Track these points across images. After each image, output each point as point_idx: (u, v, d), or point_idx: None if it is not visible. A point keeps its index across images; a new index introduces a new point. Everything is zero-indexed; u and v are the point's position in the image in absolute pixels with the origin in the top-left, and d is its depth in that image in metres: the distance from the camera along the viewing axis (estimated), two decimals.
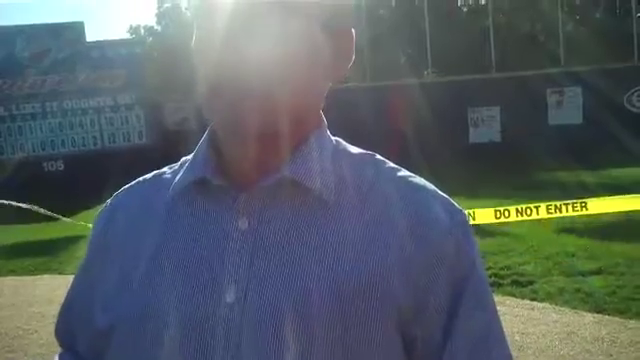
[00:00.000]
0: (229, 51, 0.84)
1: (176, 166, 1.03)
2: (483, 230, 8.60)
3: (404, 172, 0.99)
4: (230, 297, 0.87)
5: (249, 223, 0.90)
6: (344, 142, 1.01)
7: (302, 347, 0.84)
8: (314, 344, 0.85)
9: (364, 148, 1.02)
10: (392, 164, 1.00)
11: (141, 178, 1.06)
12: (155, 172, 1.06)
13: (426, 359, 0.93)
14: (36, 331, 5.75)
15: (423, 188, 0.97)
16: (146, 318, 0.89)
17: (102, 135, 17.91)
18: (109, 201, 1.06)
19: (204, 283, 0.88)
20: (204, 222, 0.92)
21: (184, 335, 0.87)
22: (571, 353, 4.62)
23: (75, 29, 18.18)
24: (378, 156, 1.01)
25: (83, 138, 17.83)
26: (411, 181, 0.97)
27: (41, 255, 9.39)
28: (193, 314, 0.87)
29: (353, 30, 0.96)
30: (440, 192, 0.98)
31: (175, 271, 0.90)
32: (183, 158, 1.02)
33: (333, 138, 1.00)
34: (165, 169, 1.05)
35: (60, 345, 1.09)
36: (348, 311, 0.86)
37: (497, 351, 0.96)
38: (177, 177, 0.97)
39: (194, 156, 0.98)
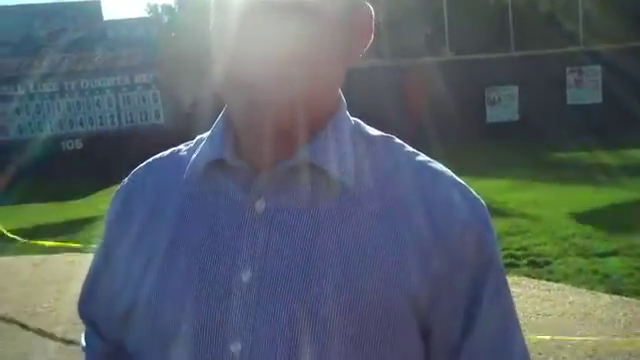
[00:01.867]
0: (246, 42, 0.83)
1: (192, 144, 1.02)
2: (499, 210, 8.59)
3: (423, 157, 0.97)
4: (246, 276, 0.87)
5: (266, 205, 0.89)
6: (363, 124, 1.00)
7: (316, 332, 0.84)
8: (329, 334, 0.85)
9: (382, 128, 1.01)
10: (410, 148, 0.99)
11: (158, 156, 1.06)
12: (172, 150, 1.05)
13: (443, 354, 0.92)
14: (55, 309, 5.83)
15: (442, 175, 0.95)
16: (164, 299, 0.89)
17: (119, 114, 17.98)
18: (126, 180, 1.06)
19: (221, 262, 0.88)
20: (220, 203, 0.92)
21: (200, 313, 0.87)
22: (587, 334, 4.61)
23: (92, 8, 18.19)
24: (397, 139, 1.00)
25: (101, 117, 17.91)
26: (430, 167, 0.96)
27: (60, 234, 9.46)
28: (210, 293, 0.87)
29: (371, 7, 0.94)
30: (459, 179, 0.96)
31: (192, 251, 0.90)
32: (199, 136, 1.02)
33: (352, 119, 0.98)
34: (181, 146, 1.05)
35: (84, 322, 1.10)
36: (363, 306, 0.85)
37: (515, 349, 0.96)
38: (193, 156, 0.97)
39: (210, 136, 0.97)
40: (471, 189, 0.96)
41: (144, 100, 18.08)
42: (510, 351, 0.95)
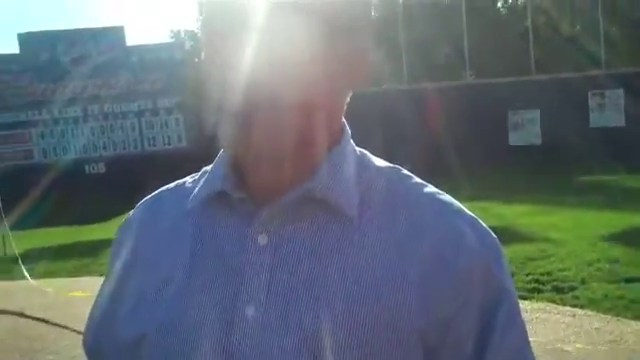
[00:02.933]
0: (233, 67, 0.81)
1: (197, 176, 1.01)
2: (523, 235, 8.53)
3: (431, 188, 0.95)
4: (250, 311, 0.86)
5: (269, 239, 0.88)
6: (369, 154, 0.97)
7: None
8: None
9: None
10: (418, 179, 0.96)
11: (164, 188, 1.05)
12: (177, 182, 1.04)
13: None
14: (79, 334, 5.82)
15: (450, 207, 0.93)
16: (167, 333, 0.88)
17: (142, 138, 18.14)
18: (131, 213, 1.05)
19: (222, 299, 0.87)
20: (223, 236, 0.91)
21: (200, 347, 0.86)
22: None
23: (115, 33, 18.45)
24: (404, 171, 0.97)
25: (124, 141, 18.08)
26: (439, 198, 0.93)
27: (84, 257, 9.54)
28: (214, 328, 0.86)
29: (367, 29, 0.90)
30: (468, 212, 0.93)
31: (192, 285, 0.89)
32: (204, 168, 1.00)
33: (357, 150, 0.96)
34: (187, 179, 1.03)
35: (88, 357, 1.07)
36: (365, 340, 0.84)
37: None
38: (198, 189, 0.96)
39: (213, 168, 0.96)
40: (481, 221, 0.93)
41: (167, 125, 18.23)
42: None
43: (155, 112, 18.18)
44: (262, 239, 0.88)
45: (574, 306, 5.91)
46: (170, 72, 18.03)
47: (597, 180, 14.03)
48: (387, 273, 0.86)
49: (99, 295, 1.05)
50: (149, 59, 18.28)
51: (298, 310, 0.84)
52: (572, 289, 6.38)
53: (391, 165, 0.97)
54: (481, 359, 0.88)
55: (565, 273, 6.85)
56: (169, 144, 18.12)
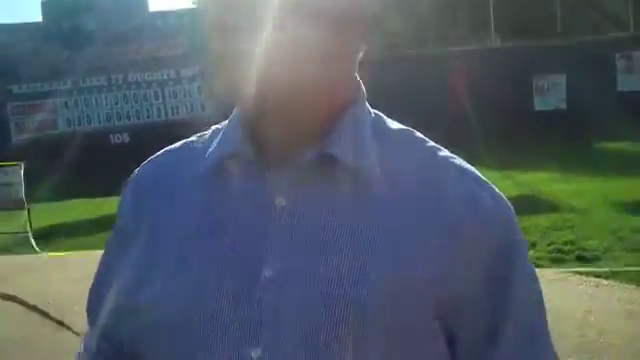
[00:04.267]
0: (244, 24, 0.81)
1: (207, 134, 1.00)
2: (546, 203, 8.47)
3: (445, 152, 0.95)
4: (268, 272, 0.85)
5: (286, 201, 0.87)
6: (384, 116, 0.97)
7: (343, 327, 0.82)
8: (356, 336, 0.83)
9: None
10: (432, 142, 0.96)
11: (168, 148, 1.03)
12: (184, 141, 1.02)
13: (469, 355, 0.90)
14: None
15: (465, 171, 0.92)
16: (182, 298, 0.87)
17: (165, 107, 18.16)
18: (136, 172, 1.03)
19: (240, 258, 0.86)
20: (239, 198, 0.90)
21: (222, 309, 0.85)
22: (637, 332, 4.53)
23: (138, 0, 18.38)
24: (418, 133, 0.96)
25: (147, 110, 18.12)
26: (453, 162, 0.93)
27: (109, 230, 9.63)
28: (230, 290, 0.85)
29: None
30: (482, 177, 0.93)
31: (209, 246, 0.88)
32: (214, 126, 1.00)
33: (372, 111, 0.96)
34: (193, 138, 1.02)
35: (88, 322, 1.06)
36: (386, 294, 0.83)
37: (544, 351, 0.94)
38: (209, 150, 0.94)
39: (227, 128, 0.95)
40: (494, 187, 0.93)
41: (190, 93, 18.22)
42: (541, 352, 0.93)
43: (178, 81, 18.17)
44: (280, 200, 0.88)
45: (597, 276, 5.88)
46: (192, 38, 17.96)
47: (623, 146, 13.83)
48: (405, 231, 0.86)
49: (104, 257, 1.04)
50: (172, 25, 18.21)
51: (319, 268, 0.84)
52: (595, 259, 6.35)
53: (405, 127, 0.97)
54: (500, 314, 0.89)
55: (589, 243, 6.80)
56: (192, 112, 18.14)
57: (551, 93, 17.98)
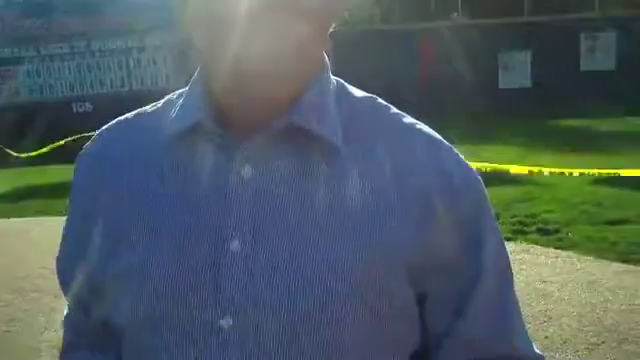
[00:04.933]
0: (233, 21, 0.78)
1: (159, 104, 0.98)
2: (509, 177, 8.55)
3: (409, 119, 0.94)
4: (234, 246, 0.83)
5: (252, 172, 0.86)
6: (347, 84, 0.96)
7: (314, 300, 0.82)
8: (327, 302, 0.82)
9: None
10: (396, 109, 0.95)
11: (122, 117, 1.00)
12: (136, 111, 0.99)
13: (438, 321, 0.91)
14: None
15: (430, 137, 0.92)
16: (146, 270, 0.85)
17: (130, 77, 17.93)
18: (89, 143, 1.00)
19: (207, 231, 0.85)
20: (203, 171, 0.87)
21: (189, 284, 0.83)
22: (593, 301, 4.62)
23: None
24: (380, 100, 0.96)
25: (111, 80, 17.87)
26: (418, 129, 0.93)
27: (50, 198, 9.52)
28: (196, 263, 0.84)
29: None
30: (446, 142, 0.93)
31: (175, 218, 0.86)
32: (167, 96, 0.97)
33: (334, 79, 0.94)
34: (147, 108, 0.99)
35: (64, 292, 1.03)
36: (354, 272, 0.83)
37: (514, 317, 0.95)
38: (169, 120, 0.91)
39: (187, 97, 0.92)
40: (458, 152, 0.94)
41: (155, 63, 18.00)
42: (510, 316, 0.95)
43: (143, 50, 17.93)
44: (246, 172, 0.86)
45: (557, 248, 5.98)
46: (159, 9, 17.70)
47: (586, 124, 14.04)
48: (375, 202, 0.85)
49: (65, 233, 1.01)
50: None
51: (285, 242, 0.83)
52: (556, 231, 6.45)
53: (368, 95, 0.96)
54: (470, 280, 0.90)
55: (550, 215, 6.91)
56: (157, 84, 17.93)
57: (516, 71, 18.14)
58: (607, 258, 5.60)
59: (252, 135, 0.85)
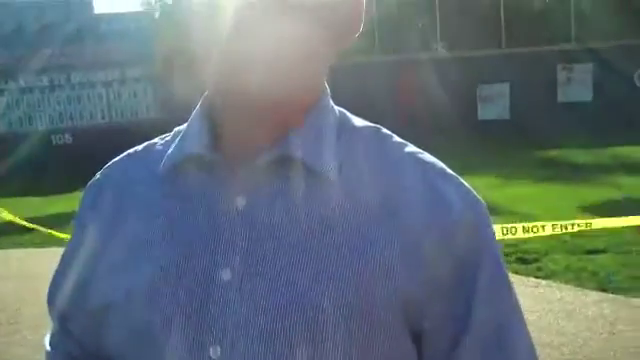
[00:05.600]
0: (234, 36, 0.80)
1: (169, 137, 0.99)
2: (489, 207, 8.59)
3: (412, 147, 0.93)
4: (226, 276, 0.83)
5: (247, 202, 0.86)
6: (349, 114, 0.95)
7: (302, 330, 0.81)
8: (315, 333, 0.81)
9: (375, 123, 0.97)
10: (398, 139, 0.94)
11: (132, 150, 1.02)
12: (146, 143, 1.01)
13: (436, 355, 0.88)
14: (41, 303, 5.76)
15: (433, 167, 0.91)
16: (139, 298, 0.86)
17: (110, 109, 17.90)
18: (98, 175, 1.02)
19: (198, 262, 0.85)
20: (198, 199, 0.88)
21: (179, 316, 0.83)
22: (573, 331, 4.63)
23: (83, 2, 18.11)
24: (384, 130, 0.95)
25: (91, 112, 17.83)
26: (421, 158, 0.91)
27: (48, 229, 9.43)
28: (188, 292, 0.84)
29: None
30: (450, 171, 0.91)
31: (169, 248, 0.87)
32: (176, 128, 0.98)
33: (337, 109, 0.94)
34: (156, 140, 1.00)
35: (51, 315, 1.05)
36: (349, 304, 0.82)
37: (517, 348, 0.90)
38: (169, 150, 0.93)
39: (187, 128, 0.93)
40: (464, 181, 0.91)
41: (135, 95, 18.01)
42: (513, 346, 0.89)
43: (123, 82, 17.94)
44: (240, 201, 0.86)
45: (537, 277, 6.00)
46: (139, 42, 17.76)
47: (564, 154, 14.17)
48: (369, 235, 0.84)
49: (62, 260, 1.02)
50: (117, 28, 17.98)
51: (276, 272, 0.82)
52: (536, 260, 6.48)
53: (371, 124, 0.95)
54: (467, 320, 0.87)
55: (529, 245, 6.93)
56: (137, 115, 17.91)
57: (495, 102, 18.32)
58: (586, 287, 5.62)
59: (248, 164, 0.86)
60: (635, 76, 17.70)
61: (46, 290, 1.04)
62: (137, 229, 0.90)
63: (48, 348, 1.04)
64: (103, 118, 17.86)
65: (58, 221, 10.00)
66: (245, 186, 0.86)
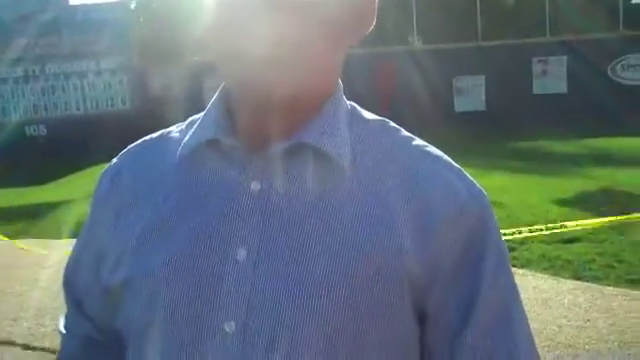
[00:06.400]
0: (237, 19, 0.83)
1: (183, 125, 1.01)
2: None
3: (419, 141, 0.97)
4: (241, 255, 0.86)
5: (261, 187, 0.89)
6: (359, 107, 1.00)
7: (310, 313, 0.84)
8: (319, 316, 0.84)
9: None
10: (406, 132, 0.98)
11: (147, 137, 1.04)
12: (161, 131, 1.04)
13: (441, 336, 0.90)
14: (21, 294, 5.75)
15: (440, 160, 0.94)
16: (155, 278, 0.88)
17: (85, 100, 17.75)
18: (115, 159, 1.04)
19: (214, 242, 0.88)
20: (214, 183, 0.91)
21: (195, 292, 0.86)
22: (549, 319, 4.68)
23: None
24: (392, 123, 0.99)
25: (66, 103, 17.67)
26: (428, 151, 0.95)
27: (21, 220, 9.36)
28: (203, 271, 0.87)
29: None
30: (455, 164, 0.95)
31: (185, 230, 0.90)
32: (191, 117, 1.01)
33: (348, 103, 0.98)
34: (172, 128, 1.03)
35: (66, 299, 1.08)
36: (358, 286, 0.84)
37: (518, 333, 0.92)
38: (186, 136, 0.95)
39: (205, 116, 0.96)
40: (467, 174, 0.95)
41: (110, 86, 17.87)
42: (514, 331, 0.92)
43: (98, 73, 17.79)
44: (255, 185, 0.89)
45: (513, 266, 6.03)
46: (115, 33, 17.62)
47: (539, 145, 14.30)
48: (381, 220, 0.87)
49: (79, 240, 1.06)
50: (93, 19, 17.82)
51: (290, 256, 0.85)
52: (512, 249, 6.52)
53: (380, 118, 0.99)
54: (471, 306, 0.89)
55: (505, 235, 7.00)
56: (112, 106, 17.78)
57: (471, 94, 18.43)
58: (561, 276, 5.69)
59: (264, 150, 0.89)
60: (609, 68, 17.90)
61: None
62: (154, 211, 0.93)
63: (63, 331, 1.07)
64: (78, 109, 17.70)
65: (34, 212, 9.93)
66: (260, 171, 0.89)
